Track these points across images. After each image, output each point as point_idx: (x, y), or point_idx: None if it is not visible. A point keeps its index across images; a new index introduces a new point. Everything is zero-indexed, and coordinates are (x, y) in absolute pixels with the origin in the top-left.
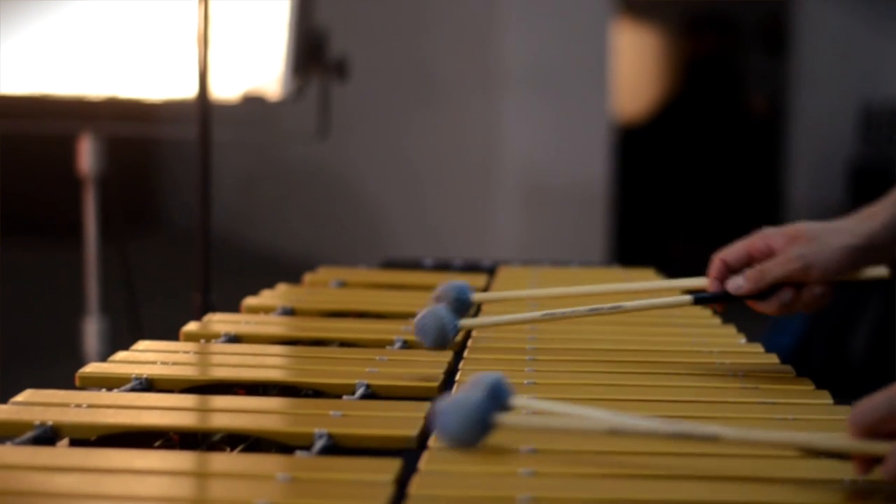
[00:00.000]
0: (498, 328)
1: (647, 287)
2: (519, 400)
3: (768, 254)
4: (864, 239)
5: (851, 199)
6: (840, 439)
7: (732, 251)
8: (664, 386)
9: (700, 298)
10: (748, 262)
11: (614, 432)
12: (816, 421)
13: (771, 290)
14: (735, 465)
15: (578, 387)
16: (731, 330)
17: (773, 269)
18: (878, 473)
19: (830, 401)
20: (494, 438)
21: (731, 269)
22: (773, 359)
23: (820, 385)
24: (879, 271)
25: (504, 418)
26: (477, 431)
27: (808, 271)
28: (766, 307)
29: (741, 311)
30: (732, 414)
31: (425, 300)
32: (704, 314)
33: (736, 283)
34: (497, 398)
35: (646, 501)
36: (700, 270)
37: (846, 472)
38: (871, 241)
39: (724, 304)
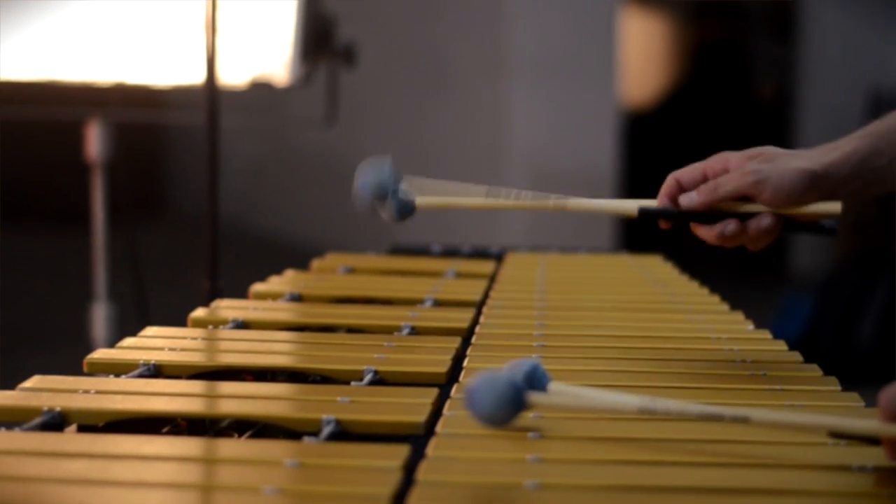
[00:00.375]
0: (508, 312)
1: (596, 205)
2: (555, 386)
3: (724, 174)
4: (822, 167)
5: None
6: (871, 423)
7: (687, 170)
8: (672, 373)
9: (646, 211)
10: (703, 181)
11: (644, 411)
12: (824, 407)
13: (716, 216)
14: (747, 451)
15: (587, 373)
16: (738, 317)
17: (726, 182)
18: None
19: (838, 387)
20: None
21: (683, 189)
22: (781, 345)
23: (827, 371)
24: (832, 206)
25: (538, 397)
26: (509, 410)
27: (761, 187)
28: (708, 234)
29: (749, 299)
30: (741, 400)
31: (433, 286)
32: (712, 301)
33: (688, 197)
34: (532, 381)
35: (653, 487)
36: (708, 257)
37: (873, 457)
38: (828, 170)
39: (671, 222)
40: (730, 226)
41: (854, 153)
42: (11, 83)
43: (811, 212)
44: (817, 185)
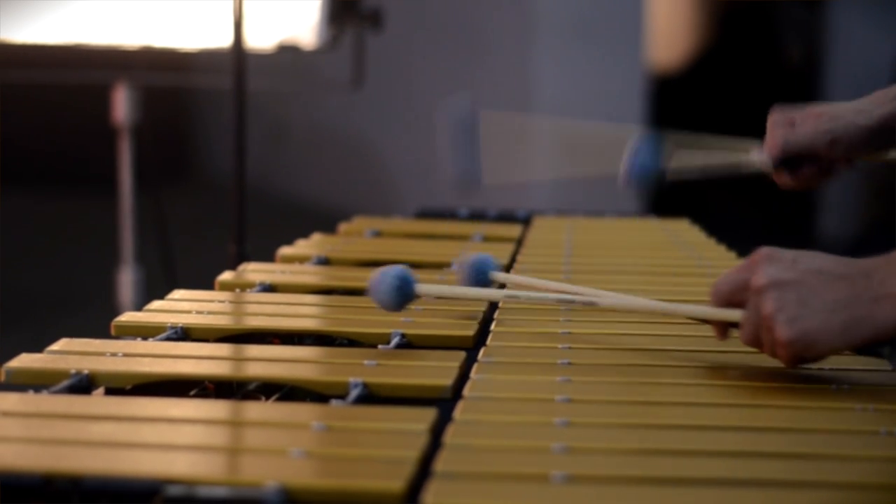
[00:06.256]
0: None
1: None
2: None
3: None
4: (878, 123)
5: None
6: (702, 308)
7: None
8: (699, 336)
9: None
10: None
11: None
12: (849, 370)
13: (794, 164)
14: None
15: (614, 337)
16: None
17: (801, 138)
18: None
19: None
20: (530, 390)
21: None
22: None
23: None
24: None
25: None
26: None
27: (835, 146)
28: (788, 180)
29: None
30: (769, 364)
31: (460, 250)
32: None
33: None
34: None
35: (681, 452)
36: (734, 221)
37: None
38: (883, 124)
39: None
40: (808, 170)
41: None
42: (39, 47)
43: (881, 159)
44: (876, 138)
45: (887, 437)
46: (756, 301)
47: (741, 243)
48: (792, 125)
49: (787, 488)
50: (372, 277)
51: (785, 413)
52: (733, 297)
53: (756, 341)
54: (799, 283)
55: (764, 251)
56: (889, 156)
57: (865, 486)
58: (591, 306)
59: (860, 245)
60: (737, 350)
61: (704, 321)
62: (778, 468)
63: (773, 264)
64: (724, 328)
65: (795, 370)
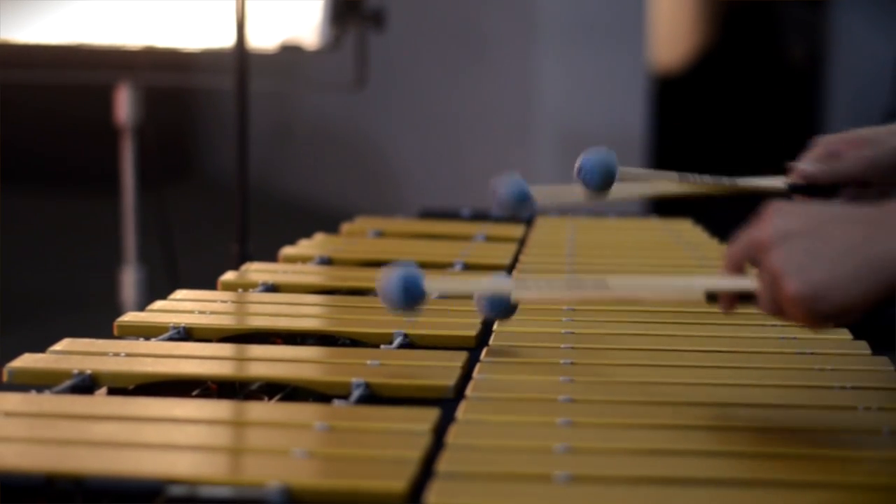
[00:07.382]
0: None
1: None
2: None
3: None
4: None
5: None
6: (715, 280)
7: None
8: (701, 336)
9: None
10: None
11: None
12: (854, 371)
13: (832, 191)
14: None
15: (616, 337)
16: None
17: (844, 165)
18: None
19: (868, 351)
20: (532, 390)
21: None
22: None
23: (858, 337)
24: None
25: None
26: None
27: (873, 171)
28: None
29: None
30: (770, 364)
31: (463, 250)
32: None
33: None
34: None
35: (684, 452)
36: (737, 222)
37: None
38: None
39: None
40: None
41: None
42: (41, 47)
43: None
44: None
45: (890, 437)
46: (765, 258)
47: None
48: (837, 156)
49: (791, 488)
50: (380, 278)
51: (788, 413)
52: (747, 259)
53: (776, 306)
54: (809, 231)
55: (773, 204)
56: None
57: (868, 486)
58: (602, 289)
59: None
60: (739, 350)
61: (717, 297)
62: (781, 468)
63: (782, 216)
64: (732, 301)
65: (801, 372)
